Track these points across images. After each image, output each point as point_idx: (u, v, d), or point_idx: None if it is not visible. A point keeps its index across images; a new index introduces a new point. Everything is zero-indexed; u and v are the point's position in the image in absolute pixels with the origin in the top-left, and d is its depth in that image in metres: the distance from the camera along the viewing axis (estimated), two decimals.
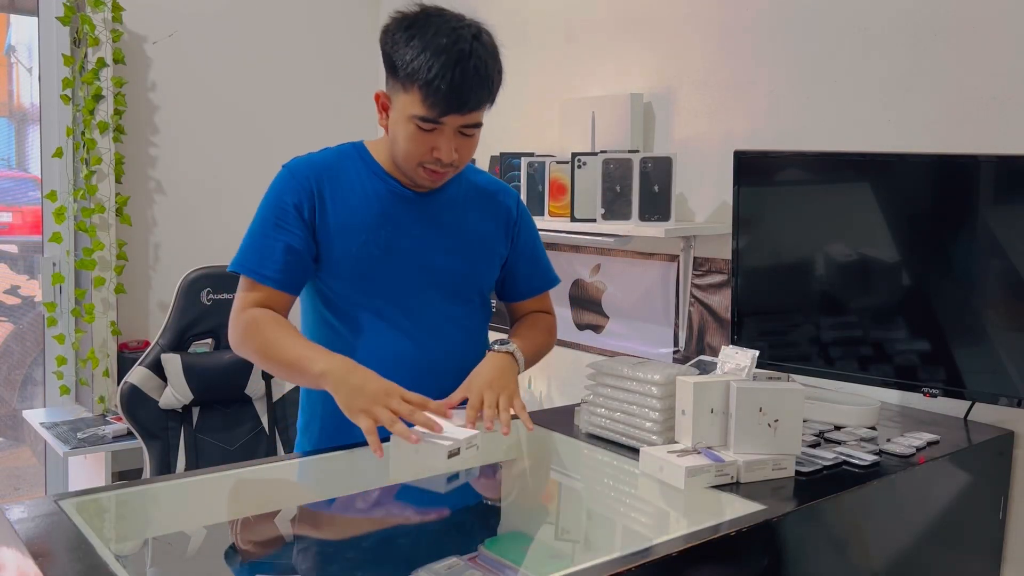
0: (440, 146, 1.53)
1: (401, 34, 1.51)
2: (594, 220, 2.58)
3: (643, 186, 2.45)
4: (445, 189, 1.70)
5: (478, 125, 1.57)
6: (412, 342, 1.66)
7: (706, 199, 2.57)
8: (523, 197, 2.79)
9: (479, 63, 1.49)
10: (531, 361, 1.74)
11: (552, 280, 1.86)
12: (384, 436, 1.45)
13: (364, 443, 1.66)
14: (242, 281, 1.63)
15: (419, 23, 1.51)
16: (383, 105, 1.61)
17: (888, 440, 1.67)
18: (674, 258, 2.65)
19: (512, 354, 1.65)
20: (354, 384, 1.46)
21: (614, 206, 2.51)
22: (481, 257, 1.73)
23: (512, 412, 1.53)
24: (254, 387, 2.73)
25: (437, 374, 1.67)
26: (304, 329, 1.74)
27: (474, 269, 1.71)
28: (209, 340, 2.73)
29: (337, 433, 1.66)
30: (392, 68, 1.54)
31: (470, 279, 1.71)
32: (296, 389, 2.79)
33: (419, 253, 1.66)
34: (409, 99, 1.51)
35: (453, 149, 1.54)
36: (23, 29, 3.53)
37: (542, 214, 2.74)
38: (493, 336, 1.85)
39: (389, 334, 1.66)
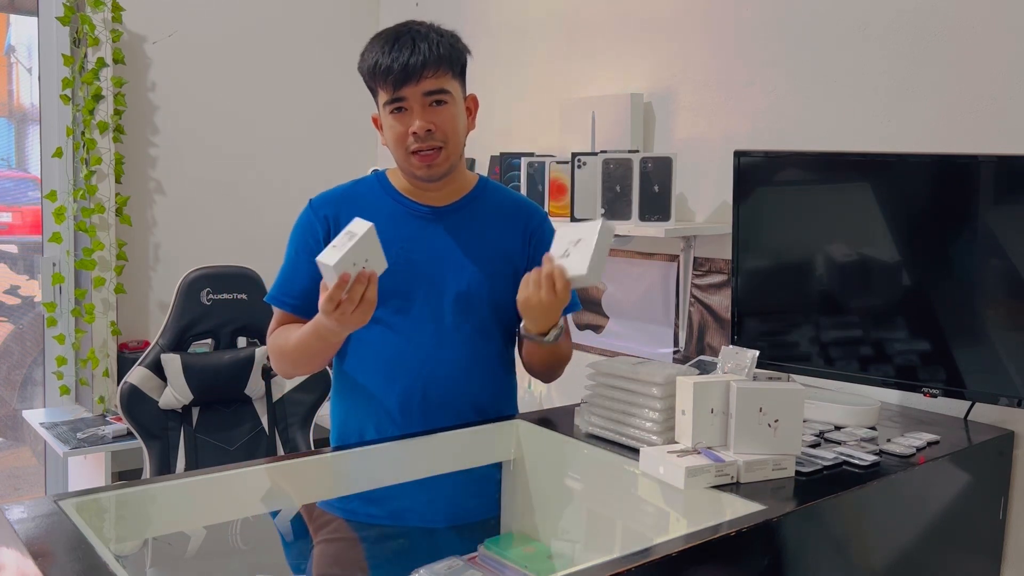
0: (412, 121, 1.60)
1: (363, 53, 1.65)
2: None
3: (643, 186, 2.45)
4: (465, 205, 1.73)
5: (444, 91, 1.61)
6: (419, 352, 1.66)
7: (706, 199, 2.57)
8: None
9: (416, 34, 1.60)
10: (555, 357, 1.73)
11: (573, 304, 1.80)
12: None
13: (365, 444, 1.67)
14: (273, 318, 1.75)
15: (373, 39, 1.65)
16: (380, 125, 1.70)
17: (888, 440, 1.67)
18: (674, 258, 2.65)
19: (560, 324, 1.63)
20: (328, 328, 1.51)
21: (614, 206, 2.51)
22: (498, 272, 1.72)
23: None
24: (254, 387, 2.73)
25: (441, 384, 1.67)
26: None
27: (489, 284, 1.70)
28: (209, 340, 2.73)
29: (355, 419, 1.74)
30: (368, 84, 1.67)
31: (483, 293, 1.70)
32: (296, 390, 2.79)
33: (431, 266, 1.68)
34: (380, 97, 1.64)
35: (426, 121, 1.60)
36: (23, 29, 3.53)
37: None
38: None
39: (396, 344, 1.67)
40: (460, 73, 1.66)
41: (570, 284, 1.52)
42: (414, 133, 1.60)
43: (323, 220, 1.69)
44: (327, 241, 1.67)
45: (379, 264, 1.45)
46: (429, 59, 1.58)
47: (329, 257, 1.40)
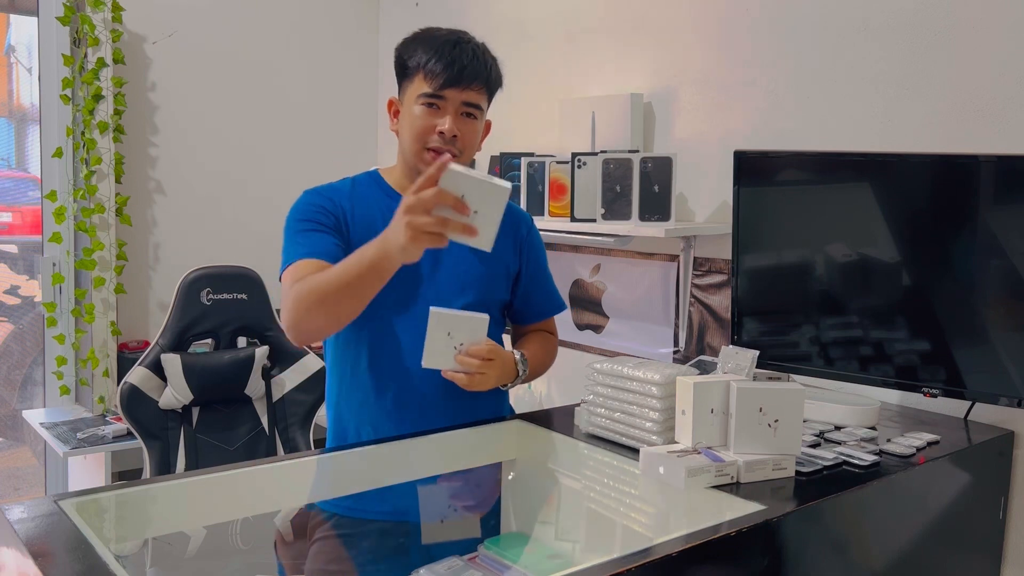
0: (443, 120, 1.64)
1: (411, 42, 1.70)
2: (594, 220, 2.58)
3: (643, 186, 2.45)
4: None
5: (478, 107, 1.67)
6: (417, 351, 1.67)
7: (706, 199, 2.57)
8: (523, 197, 2.79)
9: (475, 47, 1.68)
10: (528, 379, 1.80)
11: (560, 305, 1.93)
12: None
13: (365, 444, 1.67)
14: (288, 273, 1.60)
15: (426, 32, 1.71)
16: (395, 111, 1.73)
17: (888, 440, 1.67)
18: (674, 258, 2.65)
19: (518, 365, 1.71)
20: (389, 240, 1.41)
21: (614, 206, 2.51)
22: (492, 272, 1.76)
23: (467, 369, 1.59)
24: (254, 387, 2.73)
25: (439, 382, 1.67)
26: (326, 347, 1.79)
27: (485, 283, 1.75)
28: (209, 340, 2.73)
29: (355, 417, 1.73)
30: (402, 68, 1.70)
31: (479, 293, 1.73)
32: (296, 390, 2.79)
33: (433, 267, 1.69)
34: (414, 85, 1.66)
35: (455, 126, 1.64)
36: (23, 29, 3.53)
37: (542, 214, 2.74)
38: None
39: (400, 341, 1.68)
40: (491, 99, 1.73)
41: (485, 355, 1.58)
42: (440, 132, 1.63)
43: (337, 209, 1.68)
44: (339, 222, 1.67)
45: (484, 233, 1.32)
46: (480, 74, 1.66)
47: (460, 167, 1.31)
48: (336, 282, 1.49)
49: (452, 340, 1.56)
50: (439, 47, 1.64)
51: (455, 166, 1.31)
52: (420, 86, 1.65)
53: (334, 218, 1.67)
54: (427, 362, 1.57)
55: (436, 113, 1.64)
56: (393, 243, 1.39)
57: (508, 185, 1.33)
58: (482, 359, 1.58)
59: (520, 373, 1.71)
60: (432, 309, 1.55)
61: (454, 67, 1.62)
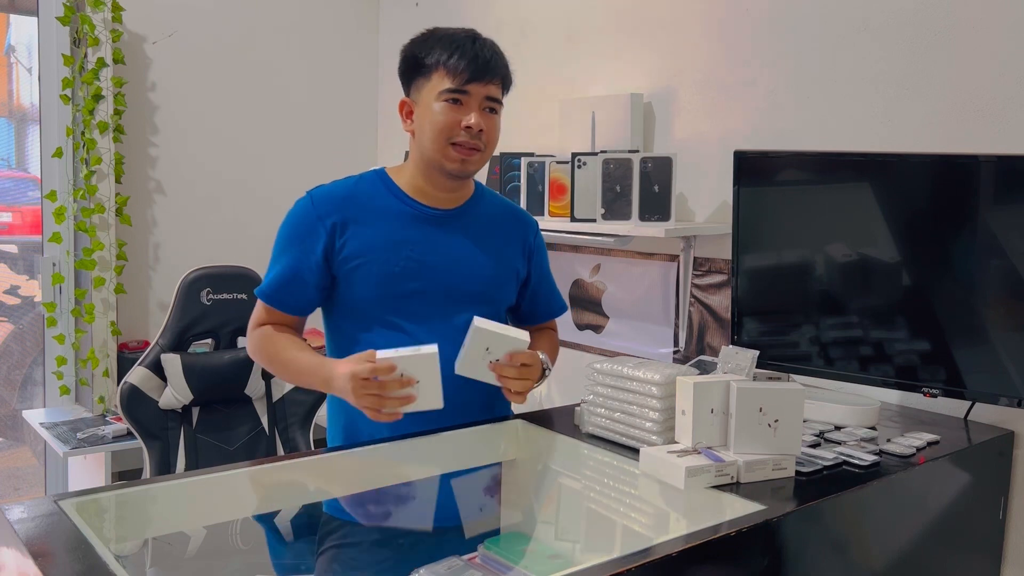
0: (468, 115, 1.64)
1: (423, 40, 1.69)
2: (594, 220, 2.58)
3: (643, 186, 2.45)
4: (467, 209, 1.76)
5: (499, 102, 1.69)
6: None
7: (706, 199, 2.57)
8: (523, 197, 2.79)
9: (493, 44, 1.70)
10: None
11: (563, 306, 1.96)
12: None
13: (365, 444, 1.66)
14: (255, 311, 1.75)
15: (438, 30, 1.71)
16: (408, 111, 1.72)
17: (888, 440, 1.67)
18: (674, 258, 2.65)
19: (543, 366, 1.72)
20: (336, 389, 1.58)
21: (614, 206, 2.51)
22: (502, 272, 1.77)
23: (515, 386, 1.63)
24: (254, 387, 2.73)
25: (456, 383, 1.67)
26: (328, 342, 1.79)
27: (496, 284, 1.76)
28: (209, 340, 2.73)
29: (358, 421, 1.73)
30: (417, 66, 1.68)
31: (492, 294, 1.74)
32: (296, 390, 2.79)
33: (442, 268, 1.70)
34: (433, 83, 1.65)
35: (480, 120, 1.64)
36: (23, 29, 3.53)
37: (542, 214, 2.74)
38: None
39: (418, 342, 1.67)
40: (505, 95, 1.74)
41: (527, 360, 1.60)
42: (467, 127, 1.64)
43: (328, 222, 1.67)
44: (327, 251, 1.67)
45: (430, 394, 1.47)
46: (500, 69, 1.67)
47: (388, 353, 1.46)
48: (285, 366, 1.69)
49: (489, 355, 1.56)
50: (459, 43, 1.64)
51: (382, 353, 1.46)
52: (441, 82, 1.64)
53: (321, 241, 1.67)
54: (460, 369, 1.57)
55: (460, 109, 1.64)
56: (341, 394, 1.55)
57: (433, 349, 1.47)
58: (520, 365, 1.58)
59: (545, 373, 1.70)
60: (476, 323, 1.54)
61: (477, 61, 1.63)
